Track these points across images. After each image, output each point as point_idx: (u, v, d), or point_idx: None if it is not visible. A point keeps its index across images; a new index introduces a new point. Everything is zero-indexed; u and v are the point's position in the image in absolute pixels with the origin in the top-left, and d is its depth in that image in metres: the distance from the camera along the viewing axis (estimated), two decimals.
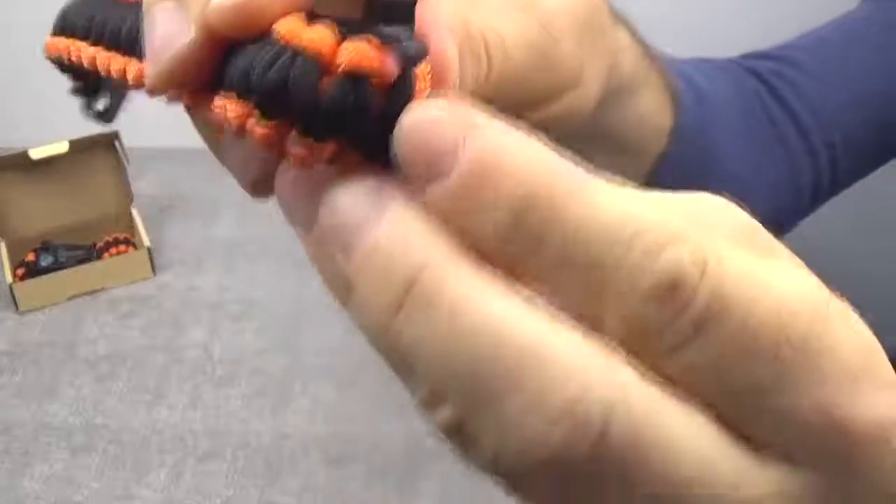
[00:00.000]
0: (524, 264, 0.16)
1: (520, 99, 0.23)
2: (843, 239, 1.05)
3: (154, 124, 1.00)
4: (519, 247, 0.15)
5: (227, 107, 0.17)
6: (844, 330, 0.17)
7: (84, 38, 0.25)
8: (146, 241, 1.06)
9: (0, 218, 1.06)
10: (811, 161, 0.58)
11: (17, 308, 1.01)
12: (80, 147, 1.06)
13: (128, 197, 1.10)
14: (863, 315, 0.18)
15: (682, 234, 0.16)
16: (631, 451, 0.15)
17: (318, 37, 0.16)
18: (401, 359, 0.16)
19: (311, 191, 0.18)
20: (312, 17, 0.17)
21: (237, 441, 0.88)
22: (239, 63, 0.17)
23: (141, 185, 1.14)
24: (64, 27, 0.27)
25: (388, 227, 0.16)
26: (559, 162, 0.16)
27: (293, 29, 0.17)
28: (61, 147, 1.06)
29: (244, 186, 0.23)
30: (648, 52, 0.34)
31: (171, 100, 0.19)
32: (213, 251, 1.10)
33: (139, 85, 0.21)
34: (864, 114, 0.59)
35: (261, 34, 0.17)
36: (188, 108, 0.20)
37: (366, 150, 0.17)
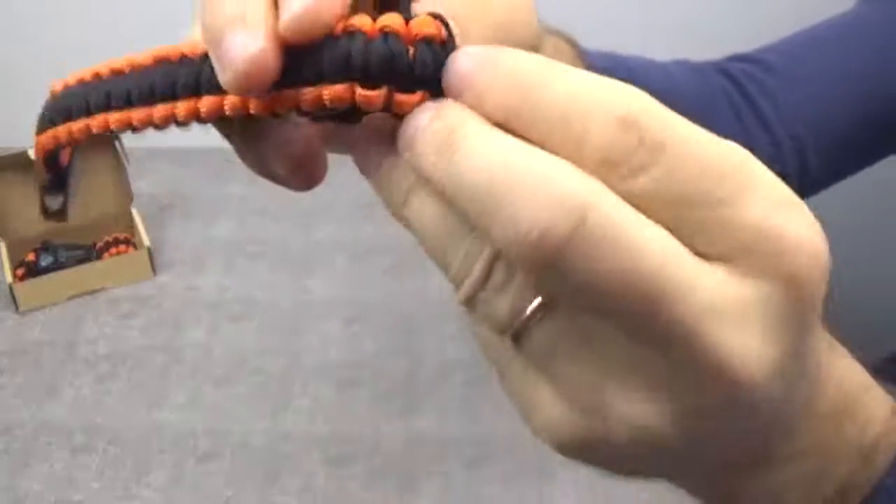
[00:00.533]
0: (526, 130, 0.22)
1: None
2: (837, 226, 1.05)
3: None
4: (520, 121, 0.22)
5: (324, 91, 0.23)
6: (773, 179, 0.22)
7: (103, 110, 0.27)
8: (146, 241, 1.06)
9: (0, 218, 1.06)
10: (775, 152, 0.60)
11: (17, 308, 1.01)
12: (81, 147, 1.06)
13: (128, 197, 1.10)
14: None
15: (636, 98, 0.22)
16: (603, 241, 0.20)
17: (394, 21, 0.23)
18: (447, 207, 0.24)
19: (380, 140, 0.25)
20: (354, 11, 0.23)
21: (237, 441, 0.88)
22: (326, 56, 0.23)
23: (141, 185, 1.13)
24: (70, 112, 0.29)
25: (440, 117, 0.23)
26: (536, 63, 0.23)
27: (366, 22, 0.23)
28: None
29: (287, 166, 0.28)
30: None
31: (234, 111, 0.24)
32: (213, 251, 1.10)
33: (190, 118, 0.25)
34: (841, 109, 0.60)
35: (319, 37, 0.23)
36: (241, 114, 0.24)
37: (435, 92, 0.24)
